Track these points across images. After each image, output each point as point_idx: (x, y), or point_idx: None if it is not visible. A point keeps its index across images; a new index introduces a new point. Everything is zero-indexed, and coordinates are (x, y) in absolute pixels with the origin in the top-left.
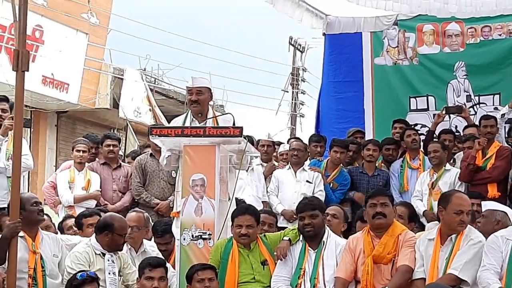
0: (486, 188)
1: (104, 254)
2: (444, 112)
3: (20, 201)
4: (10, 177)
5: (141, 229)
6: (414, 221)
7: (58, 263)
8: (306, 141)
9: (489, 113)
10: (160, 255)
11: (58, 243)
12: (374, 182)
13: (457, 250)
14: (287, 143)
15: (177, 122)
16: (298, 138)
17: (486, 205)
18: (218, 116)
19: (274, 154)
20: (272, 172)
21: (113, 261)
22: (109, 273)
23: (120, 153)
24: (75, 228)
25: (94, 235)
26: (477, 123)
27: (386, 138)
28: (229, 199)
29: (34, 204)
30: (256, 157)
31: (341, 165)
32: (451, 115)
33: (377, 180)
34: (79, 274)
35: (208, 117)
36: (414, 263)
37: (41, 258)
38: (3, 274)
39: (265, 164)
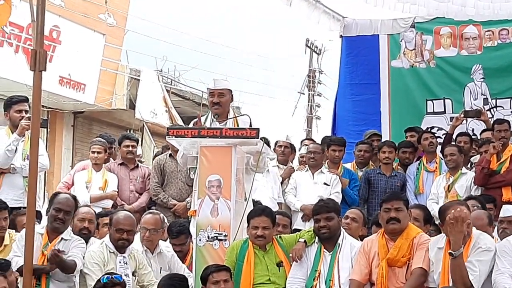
0: (501, 191)
1: (116, 255)
2: (462, 115)
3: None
4: (26, 177)
5: (158, 231)
6: (429, 223)
7: None
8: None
9: (505, 117)
10: (176, 256)
11: (76, 245)
12: (392, 183)
13: (466, 257)
14: (301, 144)
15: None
16: (312, 139)
17: (509, 210)
18: (238, 116)
19: (291, 156)
20: (290, 175)
21: (125, 263)
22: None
23: (139, 152)
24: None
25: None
26: None
27: (403, 141)
28: (245, 199)
29: (55, 210)
30: (272, 159)
31: (341, 163)
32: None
33: (395, 181)
34: (105, 277)
35: (228, 118)
36: (429, 266)
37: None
38: (16, 273)
39: (281, 166)
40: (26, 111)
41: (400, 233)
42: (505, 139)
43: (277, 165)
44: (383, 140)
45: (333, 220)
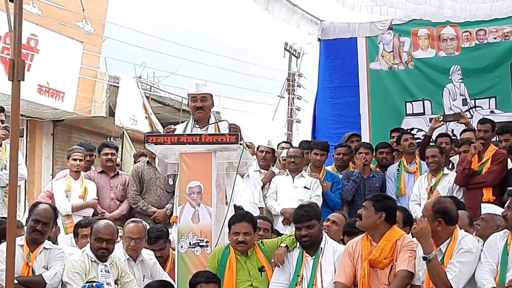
0: (482, 192)
1: (98, 263)
2: (441, 119)
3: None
4: (4, 187)
5: (143, 239)
6: (408, 225)
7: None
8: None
9: (485, 117)
10: (158, 263)
11: (56, 255)
12: (371, 184)
13: (449, 258)
14: (277, 147)
15: (178, 130)
16: (289, 142)
17: (486, 208)
18: (217, 122)
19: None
20: (271, 179)
21: (107, 271)
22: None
23: (118, 160)
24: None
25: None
26: (474, 126)
27: (380, 142)
28: (227, 204)
29: (33, 221)
30: (251, 164)
31: (323, 166)
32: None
33: (373, 182)
34: (86, 285)
35: (209, 123)
36: (414, 268)
37: (33, 272)
38: (1, 284)
39: (263, 171)
40: (2, 121)
41: (368, 232)
42: (484, 139)
43: (259, 170)
44: (362, 141)
45: (314, 227)
